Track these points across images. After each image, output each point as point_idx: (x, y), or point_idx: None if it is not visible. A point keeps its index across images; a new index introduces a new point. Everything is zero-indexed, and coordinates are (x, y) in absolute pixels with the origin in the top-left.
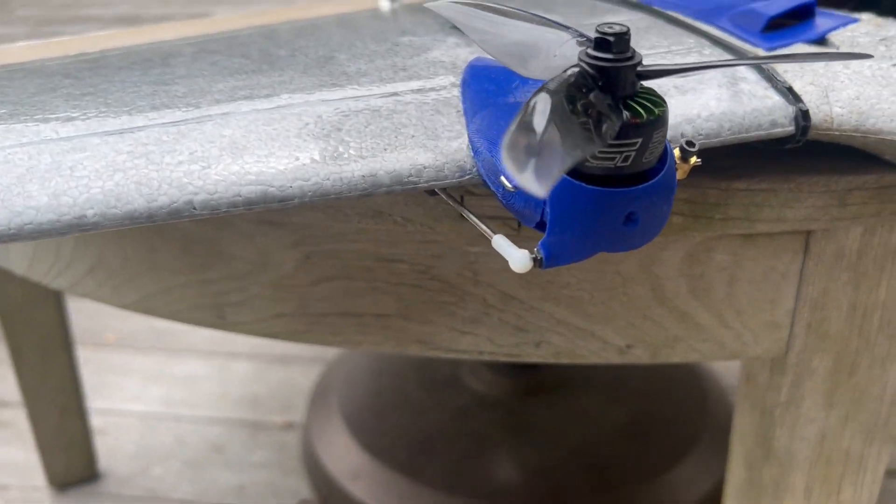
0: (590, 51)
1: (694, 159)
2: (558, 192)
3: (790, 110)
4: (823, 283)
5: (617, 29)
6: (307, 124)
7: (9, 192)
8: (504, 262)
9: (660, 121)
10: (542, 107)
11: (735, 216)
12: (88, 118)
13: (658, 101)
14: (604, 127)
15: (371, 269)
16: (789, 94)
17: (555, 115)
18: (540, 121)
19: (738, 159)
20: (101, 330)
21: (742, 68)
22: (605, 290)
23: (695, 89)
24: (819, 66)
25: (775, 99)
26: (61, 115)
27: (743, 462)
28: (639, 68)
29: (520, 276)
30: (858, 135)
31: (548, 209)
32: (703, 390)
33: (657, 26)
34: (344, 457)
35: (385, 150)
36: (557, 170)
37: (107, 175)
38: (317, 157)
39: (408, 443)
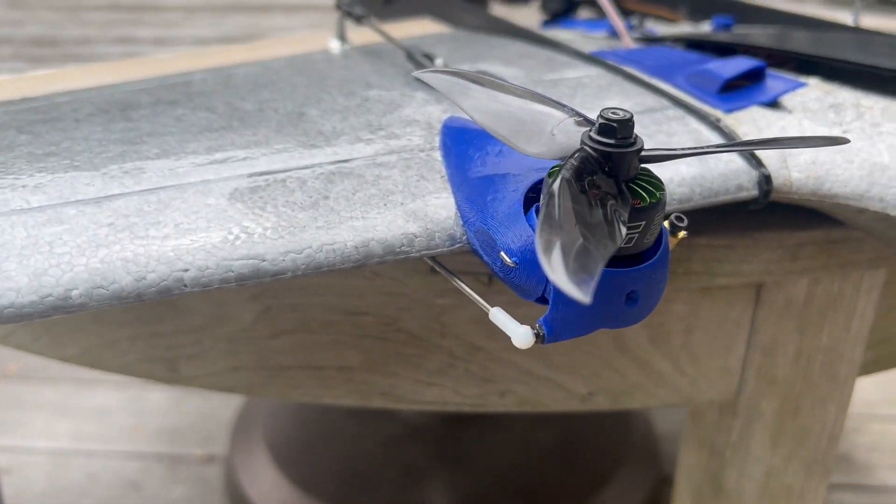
0: (594, 135)
1: (682, 233)
2: None
3: (754, 175)
4: (773, 330)
5: (621, 115)
6: (293, 191)
7: None
8: (473, 314)
9: (661, 203)
10: (563, 198)
11: (696, 270)
12: (58, 184)
13: (658, 184)
14: (619, 213)
15: (335, 322)
16: (752, 159)
17: (578, 207)
18: (567, 216)
19: (699, 215)
20: (2, 360)
21: (706, 132)
22: (571, 341)
23: None
24: (776, 130)
25: (739, 163)
26: (27, 180)
27: (690, 498)
28: (642, 153)
29: (487, 327)
30: (815, 199)
31: (551, 286)
32: (625, 413)
33: (617, 83)
34: (271, 491)
35: (376, 218)
36: (596, 269)
37: (90, 251)
38: (307, 228)
39: (338, 475)
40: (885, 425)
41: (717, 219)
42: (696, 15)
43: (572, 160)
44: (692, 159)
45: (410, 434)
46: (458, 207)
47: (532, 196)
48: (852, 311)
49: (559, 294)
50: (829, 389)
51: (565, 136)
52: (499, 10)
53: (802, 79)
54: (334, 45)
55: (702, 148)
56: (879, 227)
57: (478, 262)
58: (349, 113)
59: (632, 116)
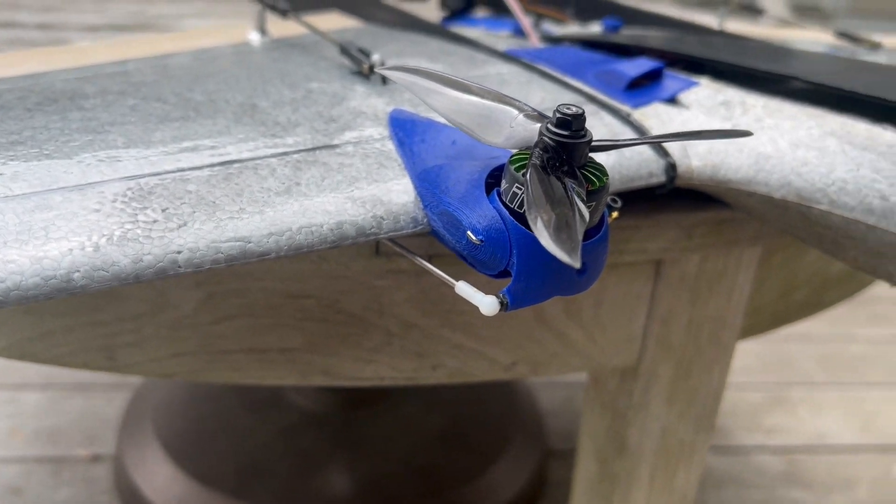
0: (552, 127)
1: (616, 213)
2: (528, 247)
3: (661, 163)
4: (669, 302)
5: (575, 111)
6: (265, 178)
7: None
8: (409, 294)
9: (607, 187)
10: (534, 183)
11: None
12: (35, 172)
13: (603, 170)
14: (580, 195)
15: (277, 305)
16: (660, 149)
17: (548, 190)
18: (540, 198)
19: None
20: None
21: (619, 126)
22: (496, 316)
23: None
24: (678, 123)
25: (649, 154)
26: (1, 168)
27: (594, 458)
28: (592, 143)
29: (422, 306)
30: (712, 183)
31: (514, 261)
32: (512, 391)
33: (535, 80)
34: (168, 487)
35: (345, 202)
36: (578, 240)
37: (85, 236)
38: (286, 212)
39: (236, 467)
40: (739, 392)
41: (624, 202)
42: (582, 15)
43: (538, 149)
44: (610, 151)
45: (306, 422)
46: (419, 193)
47: (490, 182)
48: (734, 284)
49: (522, 268)
50: (715, 353)
51: (522, 128)
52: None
53: (694, 78)
54: (255, 38)
55: (642, 139)
56: (762, 207)
57: (416, 244)
58: (298, 104)
59: (583, 112)
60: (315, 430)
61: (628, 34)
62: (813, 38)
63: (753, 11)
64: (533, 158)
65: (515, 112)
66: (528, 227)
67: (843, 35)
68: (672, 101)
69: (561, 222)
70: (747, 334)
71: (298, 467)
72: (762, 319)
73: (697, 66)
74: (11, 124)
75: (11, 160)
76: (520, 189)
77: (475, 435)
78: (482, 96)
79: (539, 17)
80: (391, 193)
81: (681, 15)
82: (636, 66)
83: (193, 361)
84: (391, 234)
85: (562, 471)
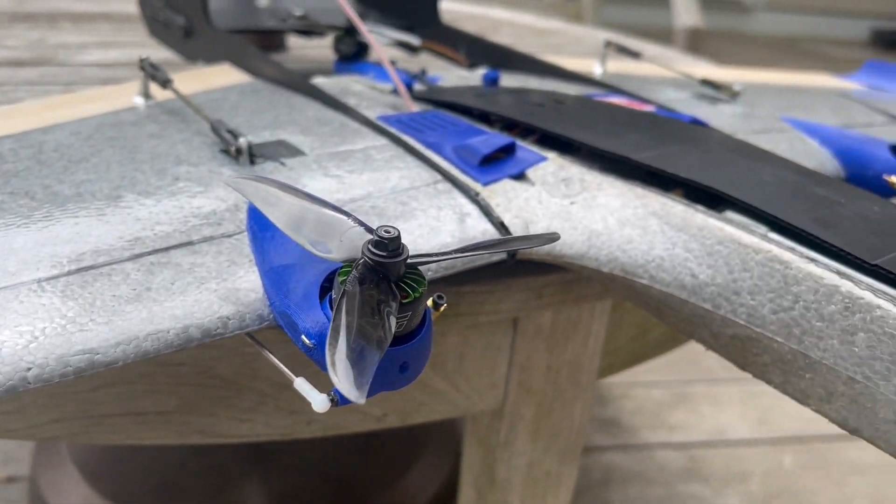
0: (371, 248)
1: (443, 307)
2: None
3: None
4: (527, 351)
5: (392, 234)
6: (119, 285)
7: None
8: (280, 357)
9: (423, 297)
10: (347, 304)
11: (464, 311)
12: None
13: (420, 280)
14: (390, 310)
15: (153, 373)
16: (501, 227)
17: (359, 309)
18: (349, 319)
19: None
20: None
21: (468, 206)
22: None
23: (435, 228)
24: (520, 202)
25: (492, 231)
26: None
27: (472, 487)
28: (409, 260)
29: (292, 368)
30: (549, 258)
31: None
32: None
33: (399, 156)
34: None
35: (193, 306)
36: (370, 373)
37: None
38: (133, 321)
39: (153, 486)
40: (646, 390)
41: (479, 269)
42: (471, 57)
43: (355, 271)
44: (456, 230)
45: None
46: (266, 291)
47: (326, 286)
48: (588, 332)
49: None
50: (574, 393)
51: (350, 242)
52: (295, 42)
53: (544, 152)
54: (139, 102)
55: (454, 253)
56: (596, 277)
57: None
58: (163, 196)
59: (398, 234)
60: (229, 447)
61: (492, 99)
62: (682, 80)
63: (631, 55)
64: (354, 272)
65: (348, 224)
66: None
67: (706, 82)
68: (521, 176)
69: (365, 342)
70: (606, 374)
71: (214, 484)
72: (620, 359)
73: (549, 139)
74: None
75: None
76: None
77: (389, 443)
78: (318, 206)
79: (435, 55)
80: (239, 293)
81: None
82: (489, 144)
83: (73, 425)
84: (237, 332)
85: None
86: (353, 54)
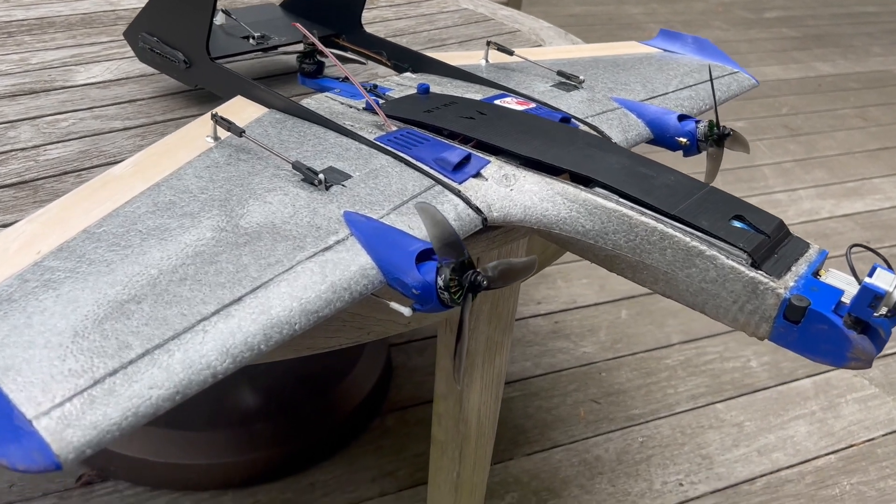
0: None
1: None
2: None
3: (479, 218)
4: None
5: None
6: (314, 274)
7: None
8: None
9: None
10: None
11: None
12: None
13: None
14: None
15: None
16: (478, 211)
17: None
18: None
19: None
20: None
21: (456, 198)
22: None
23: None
24: (482, 193)
25: (474, 215)
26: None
27: (447, 358)
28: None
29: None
30: (503, 222)
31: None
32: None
33: (406, 171)
34: None
35: (350, 279)
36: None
37: None
38: (321, 290)
39: None
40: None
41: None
42: (392, 60)
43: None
44: (454, 217)
45: None
46: (381, 267)
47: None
48: (517, 255)
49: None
50: (510, 292)
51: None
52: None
53: (485, 156)
54: (210, 142)
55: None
56: (526, 229)
57: None
58: (304, 215)
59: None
60: None
61: (436, 113)
62: (544, 72)
63: (506, 52)
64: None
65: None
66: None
67: (561, 73)
68: (478, 175)
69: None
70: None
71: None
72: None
73: (487, 145)
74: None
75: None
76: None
77: (327, 357)
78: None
79: (374, 60)
80: (366, 269)
81: None
82: (456, 154)
83: None
84: (371, 290)
85: (401, 357)
86: (314, 72)
